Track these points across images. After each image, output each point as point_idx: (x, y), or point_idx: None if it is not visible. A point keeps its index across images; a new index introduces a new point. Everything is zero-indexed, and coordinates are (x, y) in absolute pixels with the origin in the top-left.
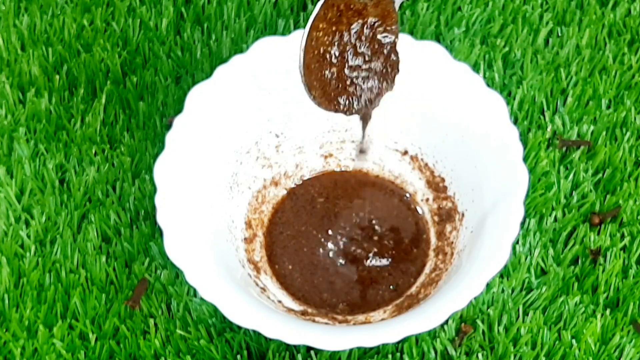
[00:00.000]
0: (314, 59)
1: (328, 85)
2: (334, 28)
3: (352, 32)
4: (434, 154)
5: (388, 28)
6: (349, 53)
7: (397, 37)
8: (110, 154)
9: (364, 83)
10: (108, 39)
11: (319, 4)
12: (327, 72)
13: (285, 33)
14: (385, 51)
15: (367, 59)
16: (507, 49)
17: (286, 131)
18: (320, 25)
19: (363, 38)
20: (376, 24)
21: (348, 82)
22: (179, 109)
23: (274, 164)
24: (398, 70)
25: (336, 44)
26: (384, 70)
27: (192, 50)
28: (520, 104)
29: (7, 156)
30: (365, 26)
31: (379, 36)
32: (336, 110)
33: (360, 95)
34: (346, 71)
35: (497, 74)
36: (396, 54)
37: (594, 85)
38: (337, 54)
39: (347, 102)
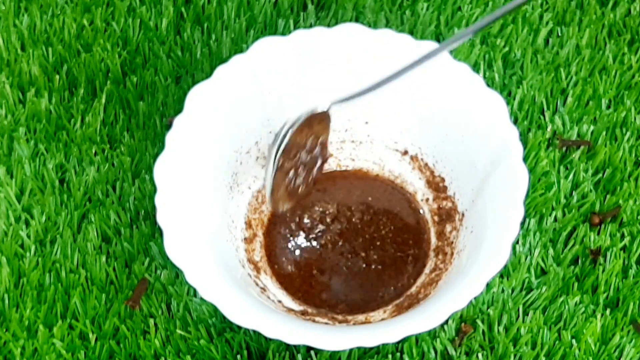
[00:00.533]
0: (280, 179)
1: (294, 193)
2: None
3: (306, 148)
4: (434, 154)
5: (321, 138)
6: (302, 162)
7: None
8: (110, 154)
9: (309, 175)
10: (108, 39)
11: (279, 152)
12: (291, 184)
13: (285, 33)
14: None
15: (313, 159)
16: (507, 49)
17: None
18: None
19: (309, 148)
20: (317, 132)
21: (305, 181)
22: (179, 109)
23: None
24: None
25: (293, 161)
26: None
27: (192, 50)
28: (520, 104)
29: (7, 156)
30: (311, 139)
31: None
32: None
33: (309, 181)
34: (302, 175)
35: (497, 74)
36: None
37: (594, 85)
38: (292, 167)
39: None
